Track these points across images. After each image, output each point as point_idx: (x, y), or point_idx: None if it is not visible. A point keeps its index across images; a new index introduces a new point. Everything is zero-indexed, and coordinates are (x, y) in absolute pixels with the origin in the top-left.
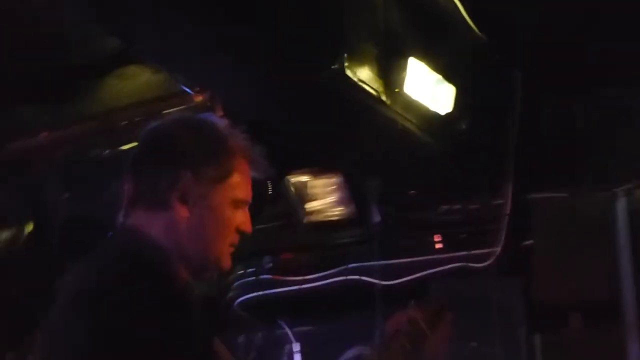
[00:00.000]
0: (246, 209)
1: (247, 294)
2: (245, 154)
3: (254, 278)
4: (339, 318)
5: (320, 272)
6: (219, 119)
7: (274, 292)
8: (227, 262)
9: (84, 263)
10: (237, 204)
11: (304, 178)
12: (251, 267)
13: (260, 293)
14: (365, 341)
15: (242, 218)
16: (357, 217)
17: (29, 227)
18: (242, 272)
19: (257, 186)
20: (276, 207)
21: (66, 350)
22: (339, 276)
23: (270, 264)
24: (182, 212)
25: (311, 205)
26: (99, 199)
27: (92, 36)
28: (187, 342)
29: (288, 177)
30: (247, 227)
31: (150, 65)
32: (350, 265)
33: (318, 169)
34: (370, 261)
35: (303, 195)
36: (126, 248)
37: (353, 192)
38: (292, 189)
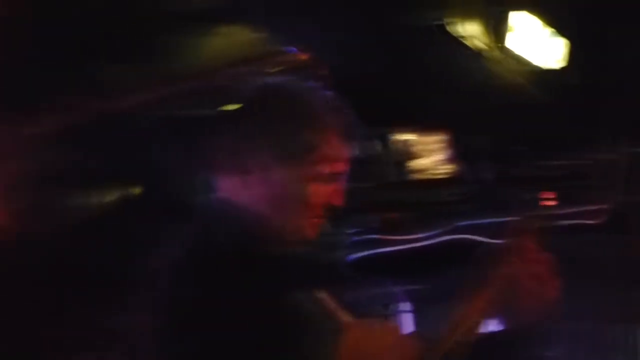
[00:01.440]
0: (338, 181)
1: (355, 253)
2: (335, 127)
3: (360, 238)
4: (447, 277)
5: (427, 231)
6: (317, 87)
7: (381, 251)
8: (310, 234)
9: (179, 236)
10: (322, 178)
11: (410, 136)
12: (358, 227)
13: (368, 252)
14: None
15: (328, 192)
16: (464, 175)
17: (137, 190)
18: (350, 231)
19: (361, 145)
20: (383, 165)
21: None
22: (446, 235)
23: (377, 223)
24: (262, 180)
25: (417, 163)
26: (200, 160)
27: None
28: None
29: (395, 134)
30: (336, 200)
31: (248, 24)
32: (459, 224)
33: (423, 127)
34: (479, 219)
35: (410, 153)
36: (218, 222)
37: (460, 149)
38: (397, 146)
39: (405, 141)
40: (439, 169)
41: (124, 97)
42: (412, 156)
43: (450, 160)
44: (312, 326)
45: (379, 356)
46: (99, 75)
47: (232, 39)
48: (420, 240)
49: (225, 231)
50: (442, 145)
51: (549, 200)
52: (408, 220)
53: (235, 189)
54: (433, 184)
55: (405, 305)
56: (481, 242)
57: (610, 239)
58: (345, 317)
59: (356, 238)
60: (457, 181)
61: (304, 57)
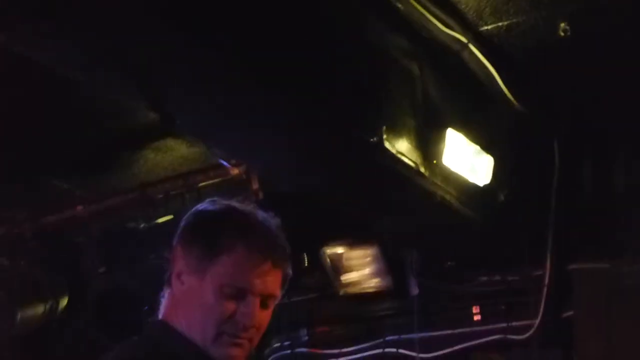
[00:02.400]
0: (248, 300)
1: None
2: (245, 239)
3: (290, 351)
4: None
5: (358, 345)
6: (245, 206)
7: None
8: (224, 353)
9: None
10: (225, 291)
11: (340, 249)
12: (287, 340)
13: None
14: None
15: (233, 307)
16: (394, 289)
17: (64, 301)
18: (278, 344)
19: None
20: (312, 278)
21: None
22: (376, 349)
23: (307, 337)
24: (176, 289)
25: (347, 277)
26: (135, 272)
27: (128, 109)
28: None
29: (324, 248)
30: (244, 318)
31: (187, 138)
32: (388, 338)
33: (354, 240)
34: (408, 333)
35: (339, 267)
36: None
37: (390, 264)
38: (328, 260)
39: (337, 254)
40: (369, 283)
41: (68, 209)
42: (343, 270)
43: (380, 274)
44: None
45: None
46: (46, 188)
47: (170, 154)
48: (350, 354)
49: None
50: (372, 259)
51: (477, 315)
52: (338, 334)
53: (167, 308)
54: (364, 298)
55: None
56: (410, 357)
57: (540, 354)
58: None
59: (286, 352)
60: (387, 295)
61: (236, 171)
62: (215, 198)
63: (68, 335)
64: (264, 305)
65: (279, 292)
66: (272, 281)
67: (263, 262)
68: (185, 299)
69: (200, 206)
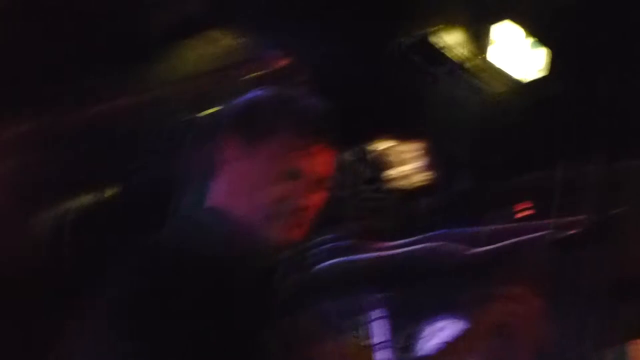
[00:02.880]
0: (302, 181)
1: (330, 259)
2: (295, 121)
3: (335, 245)
4: (422, 285)
5: (404, 238)
6: (303, 95)
7: (357, 258)
8: (281, 234)
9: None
10: (278, 173)
11: (388, 144)
12: (334, 233)
13: (343, 259)
14: (449, 309)
15: (288, 188)
16: (442, 184)
17: (114, 190)
18: (324, 237)
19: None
20: (361, 172)
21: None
22: (423, 243)
23: (353, 231)
24: (227, 175)
25: (395, 171)
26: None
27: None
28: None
29: (373, 142)
30: (299, 198)
31: (232, 29)
32: (437, 232)
33: (402, 135)
34: (457, 228)
35: (388, 161)
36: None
37: (438, 159)
38: (377, 154)
39: (383, 149)
40: (416, 178)
41: (111, 101)
42: (390, 164)
43: (427, 168)
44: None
45: None
46: (87, 80)
47: (215, 45)
48: (397, 247)
49: (204, 239)
50: (419, 153)
51: (526, 211)
52: (385, 228)
53: (219, 195)
54: (410, 192)
55: (381, 313)
56: (458, 251)
57: (591, 249)
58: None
59: (332, 245)
60: (434, 190)
61: (284, 62)
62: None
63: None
64: (318, 186)
65: (331, 173)
66: (324, 162)
67: (315, 142)
68: (237, 185)
69: (248, 93)
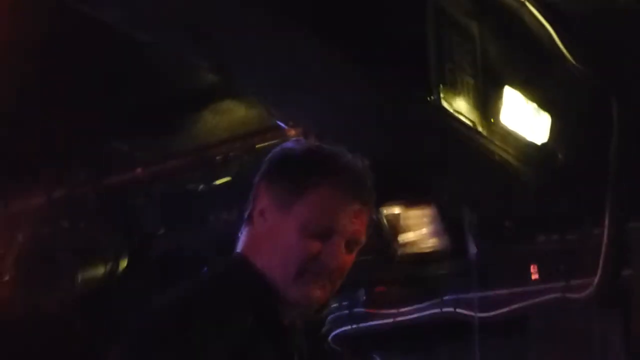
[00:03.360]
0: (334, 240)
1: (342, 327)
2: (333, 177)
3: (348, 311)
4: (434, 351)
5: (415, 304)
6: (333, 146)
7: (368, 325)
8: (305, 293)
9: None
10: (310, 229)
11: (397, 209)
12: (345, 300)
13: (355, 326)
14: None
15: (317, 247)
16: (452, 249)
17: (125, 262)
18: (336, 305)
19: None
20: (370, 239)
21: None
22: (434, 309)
23: (364, 297)
24: (258, 226)
25: (405, 237)
26: (195, 233)
27: (188, 70)
28: None
29: (381, 208)
30: (328, 258)
31: (245, 100)
32: (446, 298)
33: (411, 200)
34: (466, 293)
35: (396, 227)
36: (220, 280)
37: (447, 224)
38: (385, 220)
39: (394, 214)
40: (426, 243)
41: (129, 171)
42: (400, 230)
43: (437, 234)
44: None
45: None
46: (109, 148)
47: (229, 116)
48: (408, 314)
49: (226, 284)
50: (430, 219)
51: (536, 274)
52: (395, 294)
53: (248, 245)
54: (421, 258)
55: None
56: (468, 317)
57: (599, 313)
58: None
59: (344, 312)
60: (445, 255)
61: (293, 132)
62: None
63: (128, 296)
64: (348, 248)
65: (364, 237)
66: (359, 223)
67: (351, 202)
68: (267, 237)
69: (287, 144)
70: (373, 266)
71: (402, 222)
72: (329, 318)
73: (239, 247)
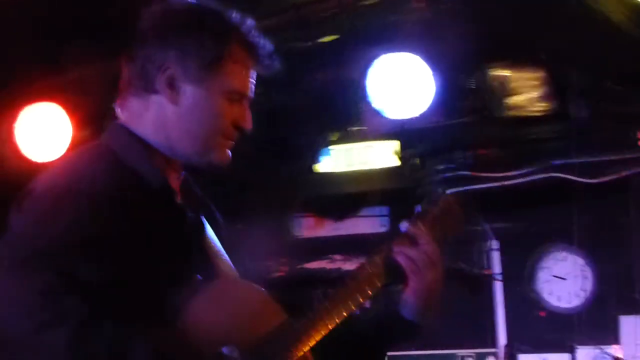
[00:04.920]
0: (245, 103)
1: (448, 189)
2: (246, 45)
3: (453, 174)
4: (538, 215)
5: (520, 168)
6: (227, 9)
7: (472, 188)
8: (221, 157)
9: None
10: (231, 95)
11: (506, 71)
12: (451, 163)
13: (460, 188)
14: (563, 239)
15: (238, 112)
16: (559, 112)
17: None
18: (441, 167)
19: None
20: (478, 100)
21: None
22: (540, 173)
23: (470, 159)
24: (170, 98)
25: (514, 100)
26: (297, 92)
27: None
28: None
29: (489, 70)
30: (245, 123)
31: None
32: (553, 162)
33: (520, 62)
34: (572, 158)
35: (504, 89)
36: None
37: (555, 86)
38: (495, 82)
39: (502, 76)
40: (535, 106)
41: None
42: (509, 92)
43: (545, 96)
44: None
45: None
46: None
47: None
48: (514, 178)
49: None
50: (538, 81)
51: None
52: (501, 157)
53: (141, 114)
54: (529, 121)
55: (494, 244)
56: (574, 182)
57: None
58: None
59: (448, 174)
60: (552, 118)
61: None
62: None
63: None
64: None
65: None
66: (253, 83)
67: (253, 65)
68: (183, 110)
69: (174, 3)
70: (479, 128)
71: (510, 84)
72: (435, 179)
73: (123, 117)
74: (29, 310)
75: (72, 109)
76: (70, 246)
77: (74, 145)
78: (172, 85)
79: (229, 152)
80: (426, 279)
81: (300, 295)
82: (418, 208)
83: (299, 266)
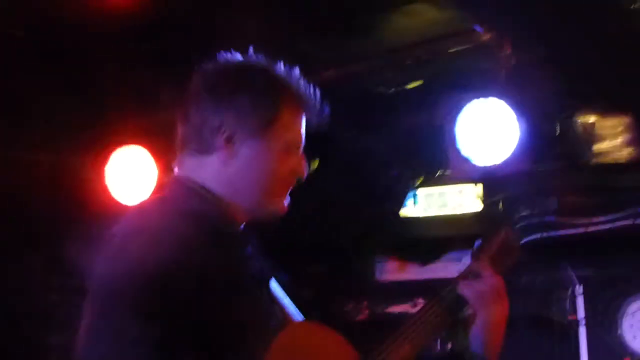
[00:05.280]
0: (300, 153)
1: (531, 235)
2: (297, 96)
3: (538, 219)
4: (623, 262)
5: (607, 215)
6: (274, 63)
7: (558, 234)
8: (280, 207)
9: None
10: (288, 147)
11: (592, 117)
12: (536, 208)
13: (545, 235)
14: None
15: (295, 163)
16: None
17: (315, 164)
18: (527, 212)
19: (542, 126)
20: (563, 147)
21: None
22: (626, 220)
23: (556, 206)
24: (229, 155)
25: (599, 146)
26: (382, 136)
27: None
28: (219, 278)
29: (576, 115)
30: (302, 172)
31: (437, 2)
32: (639, 209)
33: (607, 108)
34: None
35: (591, 136)
36: (173, 196)
37: None
38: (580, 128)
39: (589, 122)
40: (621, 153)
41: (315, 73)
42: (595, 138)
43: (632, 143)
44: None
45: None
46: (291, 52)
47: (419, 18)
48: (600, 224)
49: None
50: (625, 127)
51: None
52: (587, 204)
53: (201, 168)
54: (615, 168)
55: (579, 290)
56: None
57: None
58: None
59: (534, 220)
60: (638, 165)
61: (487, 36)
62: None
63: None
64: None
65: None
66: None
67: (303, 114)
68: (244, 164)
69: (219, 61)
70: (565, 175)
71: (597, 130)
72: (519, 225)
73: (183, 171)
74: None
75: (158, 153)
76: (183, 288)
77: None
78: (230, 143)
79: (286, 203)
80: (493, 311)
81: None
82: (478, 242)
83: (381, 310)
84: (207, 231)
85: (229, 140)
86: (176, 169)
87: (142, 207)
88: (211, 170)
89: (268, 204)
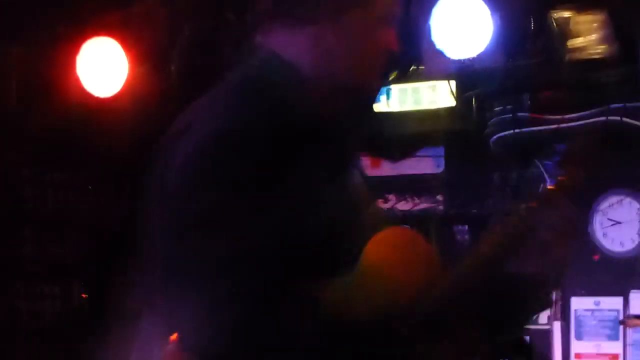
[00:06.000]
0: (393, 26)
1: (504, 131)
2: None
3: (510, 115)
4: (601, 159)
5: (580, 111)
6: None
7: (531, 130)
8: (379, 83)
9: (209, 99)
10: (381, 19)
11: (568, 13)
12: (509, 104)
13: (517, 131)
14: (620, 183)
15: (388, 36)
16: (621, 56)
17: None
18: (500, 108)
19: (516, 21)
20: (537, 42)
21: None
22: (599, 116)
23: (529, 101)
24: (330, 28)
25: (574, 42)
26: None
27: None
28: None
29: (551, 11)
30: (394, 45)
31: None
32: (612, 106)
33: (583, 4)
34: (633, 102)
35: (566, 32)
36: (261, 80)
37: (618, 30)
38: (555, 24)
39: (564, 18)
40: (596, 49)
41: None
42: (569, 34)
43: (607, 40)
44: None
45: (403, 263)
46: None
47: None
48: (573, 120)
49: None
50: (601, 24)
51: None
52: (560, 100)
53: (294, 42)
54: (589, 64)
55: (550, 186)
56: (634, 126)
57: None
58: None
59: (506, 115)
60: (614, 62)
61: None
62: None
63: None
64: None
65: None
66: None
67: None
68: (347, 39)
69: None
70: (539, 71)
71: (572, 26)
72: (492, 121)
73: (296, 55)
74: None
75: (129, 45)
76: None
77: (129, 82)
78: (335, 13)
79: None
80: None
81: None
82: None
83: None
84: (294, 125)
85: (334, 10)
86: (262, 42)
87: (218, 99)
88: (308, 45)
89: (369, 82)
